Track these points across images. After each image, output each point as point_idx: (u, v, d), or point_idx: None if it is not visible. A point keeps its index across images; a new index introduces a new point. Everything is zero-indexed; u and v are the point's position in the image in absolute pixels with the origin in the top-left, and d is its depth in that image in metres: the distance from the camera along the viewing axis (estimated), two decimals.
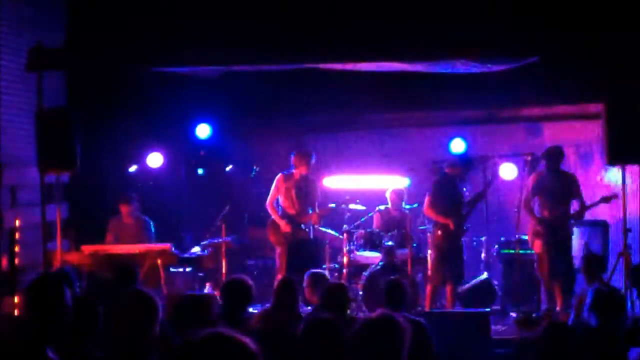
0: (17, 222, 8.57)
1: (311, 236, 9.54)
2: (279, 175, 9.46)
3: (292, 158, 9.39)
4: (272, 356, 4.87)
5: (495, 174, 9.43)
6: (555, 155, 8.95)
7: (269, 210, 9.47)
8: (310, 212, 9.40)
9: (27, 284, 4.23)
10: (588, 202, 8.95)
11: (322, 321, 4.37)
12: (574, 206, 8.93)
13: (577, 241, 9.49)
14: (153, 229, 9.49)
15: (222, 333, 2.61)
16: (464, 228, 9.18)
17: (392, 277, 6.75)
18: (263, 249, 10.12)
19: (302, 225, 9.39)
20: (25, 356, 3.73)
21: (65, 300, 4.03)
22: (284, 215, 9.41)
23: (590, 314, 5.65)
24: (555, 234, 8.83)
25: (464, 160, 9.33)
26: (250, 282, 6.08)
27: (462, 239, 9.29)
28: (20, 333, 3.95)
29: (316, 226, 9.66)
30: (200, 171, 10.72)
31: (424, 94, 9.85)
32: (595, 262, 7.49)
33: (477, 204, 9.32)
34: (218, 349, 2.59)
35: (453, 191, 9.12)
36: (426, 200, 9.18)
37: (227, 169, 10.57)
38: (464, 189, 9.36)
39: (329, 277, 7.02)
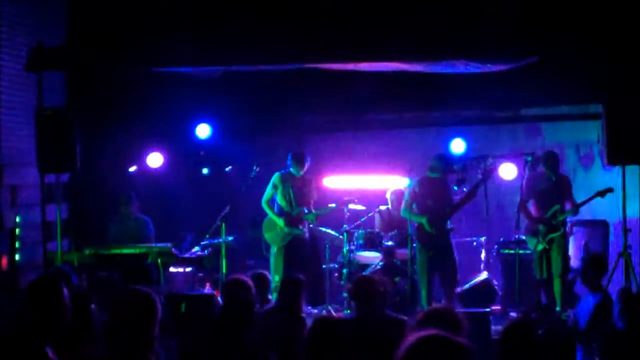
0: (17, 222, 8.57)
1: (307, 236, 9.52)
2: (277, 174, 9.46)
3: (289, 160, 9.39)
4: (276, 357, 4.88)
5: (486, 174, 9.24)
6: (551, 160, 8.95)
7: (265, 208, 9.47)
8: (307, 212, 9.39)
9: (26, 284, 4.24)
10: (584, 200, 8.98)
11: (328, 322, 4.37)
12: (568, 207, 8.93)
13: (577, 241, 9.51)
14: (152, 228, 9.50)
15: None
16: (447, 227, 8.94)
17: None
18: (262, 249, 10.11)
19: (299, 225, 9.38)
20: (25, 356, 3.73)
21: (64, 299, 4.03)
22: (281, 214, 9.40)
23: (619, 317, 5.66)
24: (551, 234, 8.83)
25: (445, 162, 9.14)
26: (251, 282, 6.08)
27: (456, 240, 9.18)
28: (20, 332, 3.95)
29: (312, 226, 9.65)
30: (205, 170, 10.71)
31: (423, 94, 9.84)
32: (599, 264, 7.23)
33: (465, 203, 9.10)
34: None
35: (432, 191, 9.00)
36: (403, 202, 9.14)
37: (227, 169, 10.57)
38: (464, 189, 9.28)
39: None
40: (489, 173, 9.17)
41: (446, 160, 9.11)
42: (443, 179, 9.03)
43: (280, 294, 6.44)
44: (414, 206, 8.99)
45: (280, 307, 6.34)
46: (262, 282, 6.98)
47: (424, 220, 8.87)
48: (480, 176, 9.16)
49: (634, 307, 5.66)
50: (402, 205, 9.10)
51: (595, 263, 7.20)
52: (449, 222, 8.96)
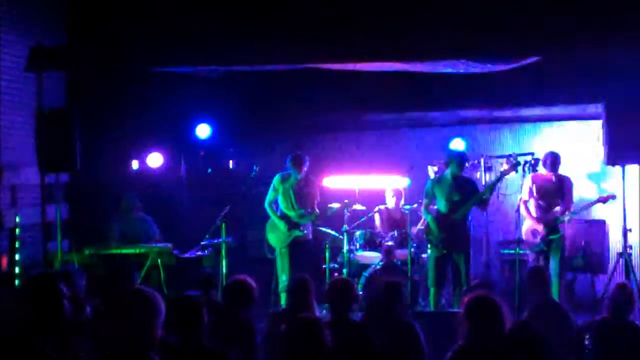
0: (17, 222, 8.58)
1: (310, 237, 9.51)
2: (277, 176, 9.45)
3: (287, 162, 9.36)
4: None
5: (504, 173, 9.18)
6: (552, 160, 8.95)
7: (268, 210, 9.46)
8: (310, 212, 9.37)
9: (22, 283, 4.23)
10: (585, 203, 8.99)
11: (304, 322, 4.36)
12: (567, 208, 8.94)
13: (577, 241, 9.51)
14: (156, 228, 9.53)
15: None
16: (463, 226, 8.88)
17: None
18: (263, 249, 10.10)
19: (300, 226, 9.35)
20: (22, 354, 3.73)
21: (60, 298, 4.02)
22: (283, 216, 9.40)
23: (609, 307, 6.09)
24: (551, 234, 8.84)
25: (454, 155, 9.11)
26: (253, 283, 6.06)
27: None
28: (18, 331, 3.95)
29: (315, 225, 9.63)
30: (209, 170, 10.70)
31: (424, 94, 9.84)
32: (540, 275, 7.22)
33: (479, 202, 9.04)
34: None
35: (445, 190, 8.95)
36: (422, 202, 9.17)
37: (230, 164, 10.57)
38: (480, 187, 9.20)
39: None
40: (510, 170, 9.10)
41: (457, 154, 9.04)
42: (461, 178, 8.94)
43: (289, 296, 6.38)
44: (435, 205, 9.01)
45: (291, 309, 6.25)
46: (209, 283, 7.01)
47: (429, 219, 8.91)
48: (505, 171, 9.06)
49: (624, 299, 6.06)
50: (422, 206, 9.11)
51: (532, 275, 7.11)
52: (468, 219, 8.91)
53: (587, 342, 6.04)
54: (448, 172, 8.92)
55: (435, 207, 9.00)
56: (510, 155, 9.32)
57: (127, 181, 10.18)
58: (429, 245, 9.01)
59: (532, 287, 6.84)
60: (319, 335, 4.18)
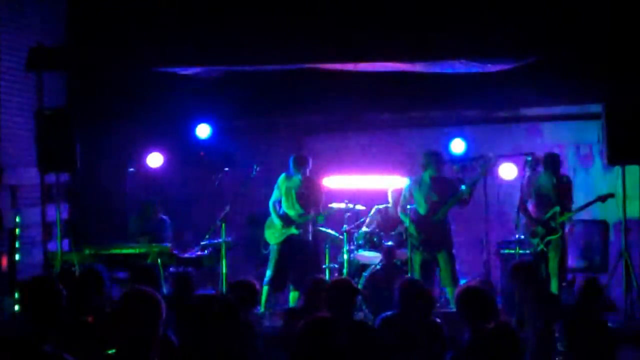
0: (17, 222, 8.58)
1: (308, 237, 9.48)
2: (282, 175, 9.44)
3: (290, 162, 9.34)
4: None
5: (484, 169, 9.17)
6: (552, 161, 8.94)
7: (270, 208, 9.46)
8: (313, 214, 9.35)
9: (22, 282, 4.24)
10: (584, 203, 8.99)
11: (320, 321, 4.36)
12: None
13: (577, 241, 9.52)
14: (170, 228, 9.56)
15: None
16: (443, 227, 8.90)
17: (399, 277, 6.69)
18: (261, 247, 10.10)
19: (296, 225, 9.30)
20: (24, 355, 3.74)
21: (60, 299, 4.02)
22: (283, 215, 9.39)
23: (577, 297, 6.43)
24: (550, 233, 8.84)
25: (431, 157, 9.09)
26: (257, 285, 6.06)
27: (456, 240, 9.15)
28: (19, 332, 3.96)
29: (315, 226, 9.62)
30: (208, 170, 10.69)
31: (423, 94, 9.84)
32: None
33: (461, 201, 9.03)
34: None
35: (425, 192, 8.93)
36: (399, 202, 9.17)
37: (225, 170, 10.56)
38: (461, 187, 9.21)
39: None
40: (487, 169, 9.09)
41: (433, 154, 9.03)
42: (438, 178, 8.96)
43: (304, 296, 6.37)
44: (408, 207, 9.00)
45: (306, 309, 6.22)
46: (187, 282, 7.02)
47: (407, 222, 8.90)
48: (479, 170, 9.09)
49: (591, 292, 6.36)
50: (399, 207, 9.12)
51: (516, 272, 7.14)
52: (446, 221, 8.93)
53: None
54: (426, 174, 8.93)
55: (413, 208, 8.99)
56: (481, 157, 9.33)
57: (127, 181, 10.19)
58: (413, 250, 8.94)
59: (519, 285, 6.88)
60: (334, 335, 4.19)
